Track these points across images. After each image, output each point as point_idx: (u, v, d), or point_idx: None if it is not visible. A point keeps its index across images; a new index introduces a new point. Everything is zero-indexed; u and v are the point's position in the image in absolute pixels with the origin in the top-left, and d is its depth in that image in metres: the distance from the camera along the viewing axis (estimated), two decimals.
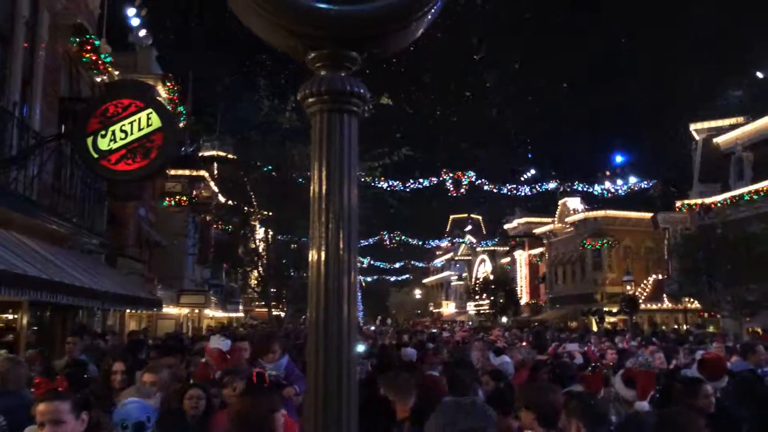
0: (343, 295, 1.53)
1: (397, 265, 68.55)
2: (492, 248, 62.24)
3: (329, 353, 1.51)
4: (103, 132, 9.32)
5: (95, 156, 9.24)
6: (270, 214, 17.39)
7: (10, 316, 10.55)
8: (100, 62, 12.62)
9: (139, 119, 9.44)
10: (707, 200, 29.54)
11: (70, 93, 12.72)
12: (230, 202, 19.74)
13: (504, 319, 51.32)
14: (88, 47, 12.39)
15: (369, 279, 68.61)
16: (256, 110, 13.91)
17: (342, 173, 1.63)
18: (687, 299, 33.92)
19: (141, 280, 17.92)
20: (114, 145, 9.29)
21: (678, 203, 30.98)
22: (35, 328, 11.18)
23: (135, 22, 22.46)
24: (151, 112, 9.46)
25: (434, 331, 26.22)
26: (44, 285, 6.92)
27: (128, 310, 18.84)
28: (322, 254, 1.55)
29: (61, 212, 10.77)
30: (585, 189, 31.79)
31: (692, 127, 32.32)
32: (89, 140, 9.27)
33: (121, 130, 9.36)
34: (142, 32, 22.82)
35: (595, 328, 35.80)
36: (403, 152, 13.46)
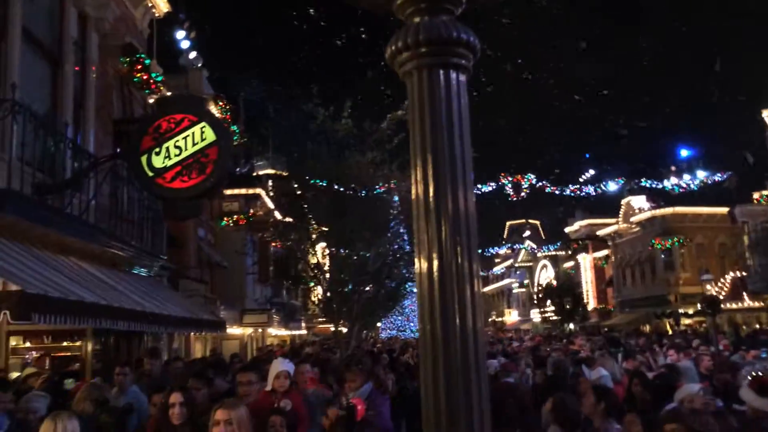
0: (466, 307, 1.33)
1: None
2: (553, 253, 60.46)
3: (452, 373, 1.30)
4: (157, 149, 8.92)
5: (150, 174, 8.83)
6: (327, 229, 16.89)
7: (76, 343, 10.26)
8: (151, 81, 12.36)
9: (193, 134, 9.00)
10: None
11: (123, 114, 12.51)
12: (287, 218, 19.38)
13: (571, 326, 49.64)
14: (139, 66, 12.15)
15: None
16: (310, 120, 13.47)
17: (453, 158, 1.36)
18: None
19: (203, 302, 17.64)
20: (169, 162, 8.86)
21: (756, 195, 29.12)
22: (101, 355, 10.87)
23: (185, 44, 22.49)
24: (204, 126, 9.01)
25: (513, 341, 25.08)
26: (103, 311, 6.46)
27: (193, 333, 18.60)
28: (435, 263, 1.33)
29: (119, 236, 10.45)
30: (654, 186, 30.17)
31: (765, 113, 30.44)
32: (143, 158, 8.88)
33: (175, 146, 8.94)
34: (192, 54, 22.84)
35: (669, 332, 34.01)
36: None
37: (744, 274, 35.38)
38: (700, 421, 3.36)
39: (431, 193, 1.35)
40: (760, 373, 7.95)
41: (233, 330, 23.16)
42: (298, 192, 17.72)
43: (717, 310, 28.48)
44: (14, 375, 8.77)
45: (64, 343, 10.03)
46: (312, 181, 15.24)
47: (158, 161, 8.88)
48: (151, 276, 12.98)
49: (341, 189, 13.71)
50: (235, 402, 3.82)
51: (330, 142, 13.26)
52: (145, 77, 12.34)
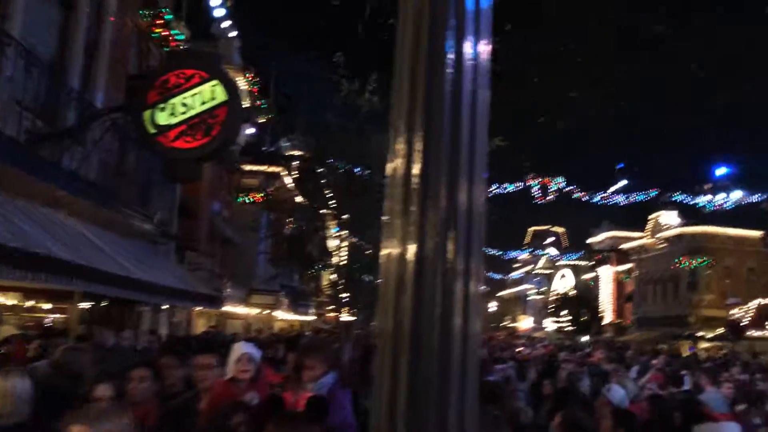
0: (453, 308, 1.07)
1: None
2: (575, 262, 59.35)
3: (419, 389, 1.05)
4: (162, 105, 8.31)
5: (152, 131, 8.23)
6: (346, 216, 16.31)
7: (63, 306, 9.70)
8: (171, 38, 11.75)
9: (203, 92, 8.37)
10: None
11: (139, 71, 11.92)
12: (306, 200, 18.84)
13: (585, 338, 48.60)
14: (159, 21, 11.54)
15: None
16: (335, 92, 12.82)
17: (456, 132, 1.08)
18: None
19: (208, 277, 17.11)
20: (173, 120, 8.25)
21: None
22: (88, 321, 10.32)
23: (219, 12, 21.92)
24: (216, 84, 8.38)
25: (525, 347, 24.18)
26: (76, 271, 5.84)
27: (195, 308, 18.11)
28: (408, 255, 1.08)
29: (120, 196, 9.88)
30: (687, 201, 29.12)
31: None
32: (147, 114, 8.27)
33: (182, 104, 8.31)
34: (226, 23, 22.28)
35: (685, 354, 32.92)
36: (496, 142, 11.89)
37: None
38: None
39: (416, 173, 1.08)
40: None
41: (239, 309, 22.66)
42: (318, 170, 17.14)
43: (740, 337, 27.42)
44: None
45: (49, 306, 9.47)
46: (329, 161, 14.61)
47: (162, 118, 8.27)
48: (156, 244, 12.45)
49: (358, 169, 13.04)
50: (105, 413, 2.53)
51: (353, 117, 12.60)
52: (165, 33, 11.74)
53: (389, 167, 1.14)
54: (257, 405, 3.46)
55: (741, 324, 28.69)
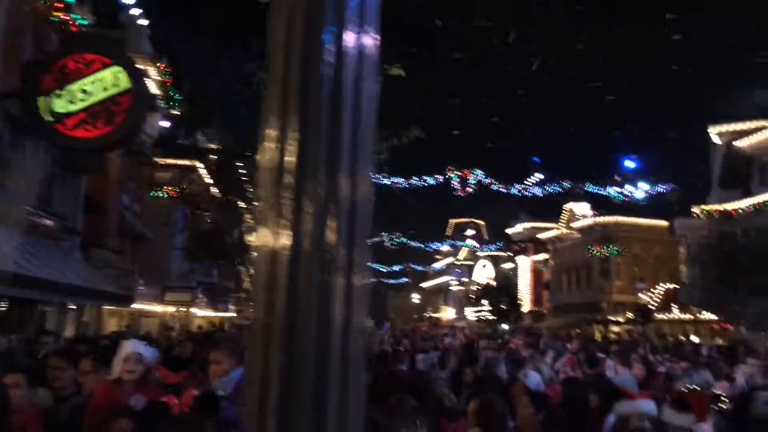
0: (332, 299, 1.03)
1: (396, 268, 67.39)
2: (494, 253, 60.78)
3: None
4: (59, 91, 7.76)
5: (49, 119, 7.68)
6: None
7: None
8: (71, 22, 11.06)
9: (104, 78, 7.87)
10: (728, 206, 28.01)
11: (36, 57, 11.15)
12: (223, 194, 18.35)
13: (505, 326, 49.90)
14: (59, 5, 10.83)
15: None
16: (249, 84, 12.43)
17: (337, 117, 1.06)
18: (697, 310, 32.41)
19: (117, 274, 16.34)
20: (72, 108, 7.72)
21: (696, 209, 29.46)
22: None
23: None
24: (119, 71, 7.88)
25: (446, 337, 24.45)
26: None
27: (106, 308, 17.28)
28: (282, 245, 1.04)
29: (15, 189, 9.22)
30: (599, 192, 30.28)
31: (713, 130, 30.79)
32: (42, 101, 7.71)
33: (82, 90, 7.79)
34: (135, 10, 21.32)
35: (598, 338, 34.30)
36: (414, 134, 11.85)
37: (676, 286, 35.98)
38: None
39: (291, 162, 1.04)
40: (696, 387, 7.49)
41: (153, 307, 21.83)
42: (236, 163, 16.72)
43: (648, 320, 28.81)
44: None
45: None
46: (247, 153, 14.27)
47: (60, 105, 7.72)
48: (57, 240, 11.73)
49: None
50: None
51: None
52: (65, 17, 11.03)
53: (261, 155, 1.10)
54: (141, 410, 3.20)
55: (649, 308, 30.12)
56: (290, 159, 1.06)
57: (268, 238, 1.07)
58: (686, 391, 6.78)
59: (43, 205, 9.91)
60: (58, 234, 10.98)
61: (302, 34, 1.07)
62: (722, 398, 6.26)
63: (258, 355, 1.04)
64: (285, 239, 1.05)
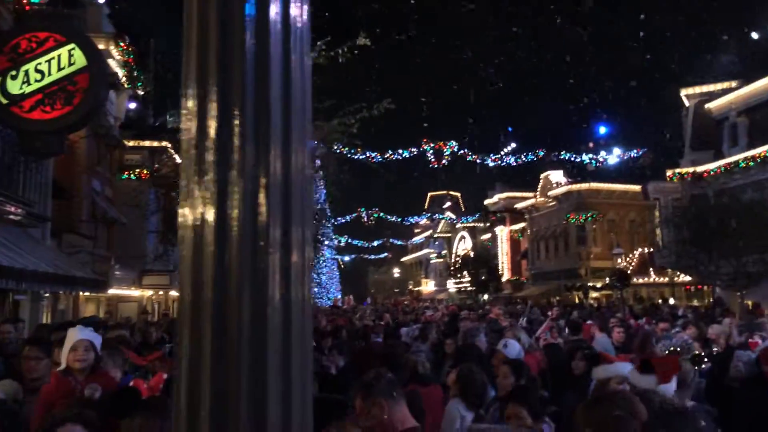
0: (268, 277, 0.98)
1: (376, 244, 67.49)
2: (472, 225, 61.02)
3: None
4: (13, 72, 7.50)
5: (4, 102, 7.42)
6: None
7: None
8: (25, 1, 10.64)
9: (59, 57, 7.60)
10: (699, 168, 28.29)
11: None
12: None
13: (485, 297, 50.31)
14: None
15: (347, 258, 67.39)
16: None
17: (263, 87, 1.01)
18: (673, 272, 32.88)
19: (90, 259, 16.04)
20: (28, 89, 7.47)
21: (669, 172, 29.73)
22: None
23: None
24: (73, 48, 7.63)
25: (428, 310, 24.53)
26: None
27: (82, 294, 17.00)
28: (209, 221, 0.99)
29: None
30: (573, 159, 30.39)
31: (683, 92, 30.94)
32: None
33: (37, 70, 7.53)
34: None
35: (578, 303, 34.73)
36: (384, 105, 11.66)
37: (652, 250, 36.44)
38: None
39: (211, 136, 0.98)
40: (678, 349, 7.52)
41: (131, 292, 21.56)
42: None
43: (626, 284, 29.17)
44: None
45: None
46: None
47: (14, 86, 7.46)
48: (25, 227, 11.45)
49: None
50: None
51: None
52: None
53: (183, 127, 1.05)
54: (103, 398, 3.06)
55: (626, 272, 30.49)
56: (211, 134, 1.01)
57: (192, 214, 1.02)
58: (666, 353, 6.83)
59: (7, 191, 9.61)
60: (26, 221, 10.70)
61: (219, 1, 1.02)
62: (701, 358, 6.28)
63: (186, 338, 0.99)
64: (209, 215, 1.00)
